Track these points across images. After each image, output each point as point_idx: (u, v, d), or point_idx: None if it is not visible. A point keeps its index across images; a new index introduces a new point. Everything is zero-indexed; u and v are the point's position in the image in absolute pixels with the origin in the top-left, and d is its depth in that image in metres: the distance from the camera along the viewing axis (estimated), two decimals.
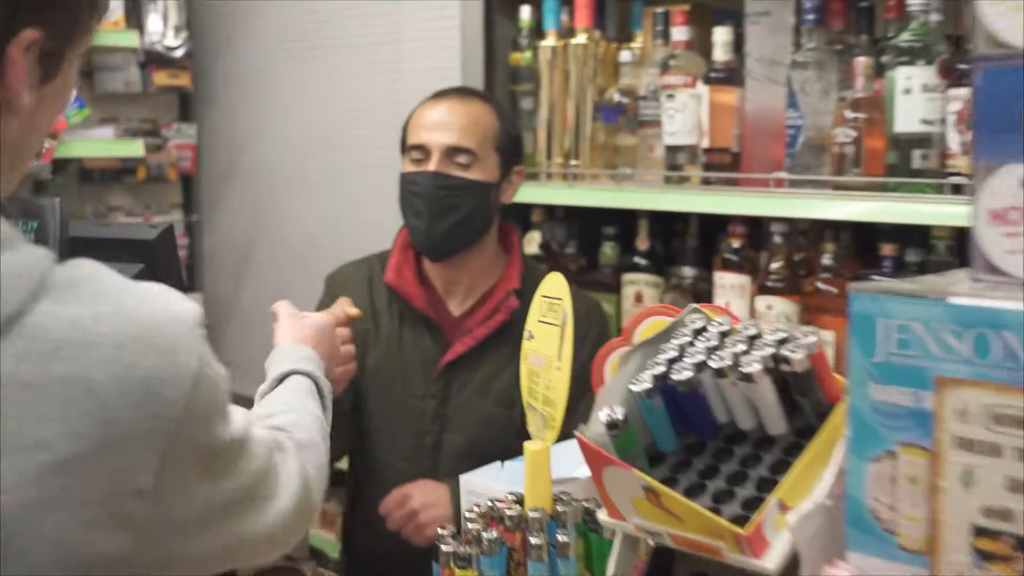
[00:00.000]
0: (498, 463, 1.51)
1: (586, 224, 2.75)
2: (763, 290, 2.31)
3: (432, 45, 3.01)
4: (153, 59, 3.65)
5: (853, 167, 2.13)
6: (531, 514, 1.22)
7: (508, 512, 1.25)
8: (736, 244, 2.38)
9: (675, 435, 1.15)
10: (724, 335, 1.16)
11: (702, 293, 2.45)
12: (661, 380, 1.12)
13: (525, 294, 2.15)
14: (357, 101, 3.28)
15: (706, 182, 2.36)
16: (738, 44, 2.34)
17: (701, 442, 1.16)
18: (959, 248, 2.12)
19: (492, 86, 2.75)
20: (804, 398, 1.11)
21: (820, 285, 2.24)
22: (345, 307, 1.91)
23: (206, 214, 3.85)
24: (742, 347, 1.12)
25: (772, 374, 1.09)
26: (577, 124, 2.62)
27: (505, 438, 2.10)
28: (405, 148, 2.23)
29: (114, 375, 0.90)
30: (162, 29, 3.61)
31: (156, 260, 1.74)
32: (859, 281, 2.19)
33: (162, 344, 0.94)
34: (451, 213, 2.14)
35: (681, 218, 2.67)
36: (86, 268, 0.98)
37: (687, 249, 2.48)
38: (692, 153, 2.40)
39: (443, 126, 2.15)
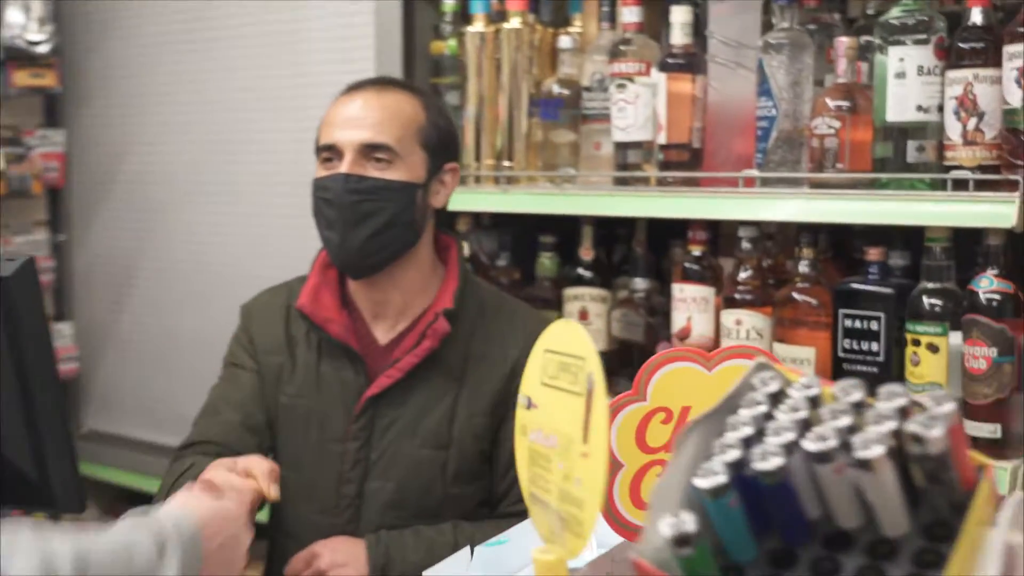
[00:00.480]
0: (465, 549, 1.19)
1: (520, 233, 2.44)
2: (730, 303, 2.03)
3: (340, 35, 2.67)
4: (13, 56, 3.20)
5: (836, 162, 1.87)
6: None
7: None
8: (697, 252, 2.10)
9: (754, 540, 0.84)
10: (814, 402, 0.85)
11: (657, 307, 2.17)
12: (737, 470, 0.81)
13: (463, 317, 1.86)
14: (255, 100, 2.91)
15: (663, 182, 2.08)
16: (697, 26, 2.07)
17: (789, 548, 0.85)
18: (957, 251, 1.88)
19: (412, 79, 2.42)
20: (934, 486, 0.80)
21: (796, 296, 1.97)
22: (268, 488, 1.51)
23: (78, 232, 3.42)
24: (846, 420, 0.81)
25: (893, 456, 0.79)
26: (510, 120, 2.32)
27: (437, 485, 1.83)
28: (317, 150, 1.89)
29: None
30: (23, 22, 3.18)
31: (14, 301, 1.40)
32: (841, 290, 1.96)
33: None
34: (368, 220, 1.81)
35: (625, 224, 2.39)
36: None
37: (638, 259, 2.19)
38: (647, 150, 2.11)
39: (356, 122, 1.83)
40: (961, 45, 1.79)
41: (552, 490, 0.91)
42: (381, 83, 1.92)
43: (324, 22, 2.74)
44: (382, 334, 1.91)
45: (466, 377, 1.85)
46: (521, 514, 1.68)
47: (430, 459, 1.83)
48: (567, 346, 0.90)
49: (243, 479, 1.50)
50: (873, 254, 1.91)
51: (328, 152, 1.84)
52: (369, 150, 1.81)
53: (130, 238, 3.27)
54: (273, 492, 1.51)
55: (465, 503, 1.85)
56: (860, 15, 2.10)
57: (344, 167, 1.81)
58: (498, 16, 2.36)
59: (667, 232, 2.35)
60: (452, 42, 2.42)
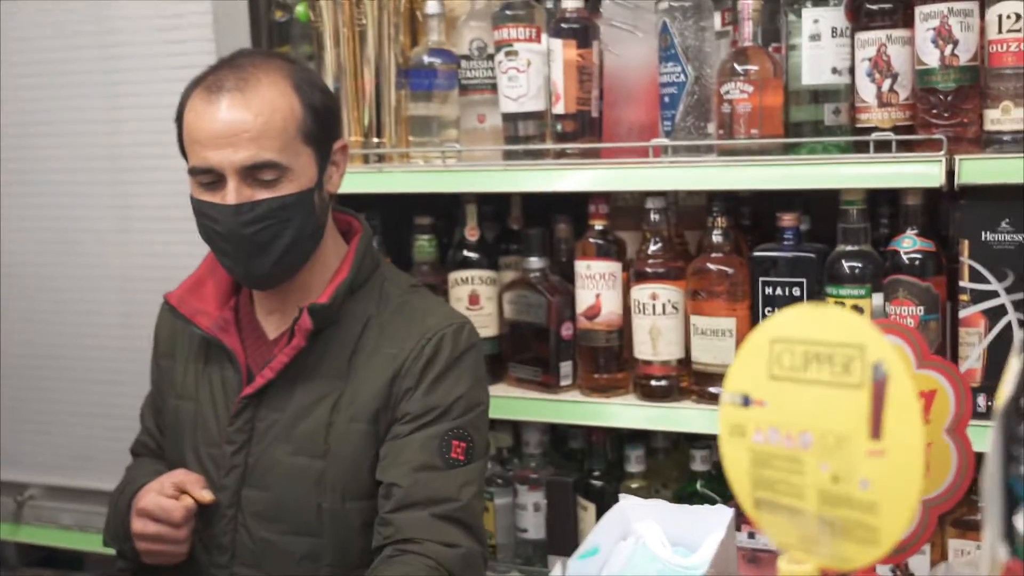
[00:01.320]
0: (557, 566, 1.06)
1: (387, 215, 2.27)
2: (641, 277, 1.97)
3: None
4: None
5: (749, 128, 1.84)
6: None
7: None
8: (600, 226, 2.02)
9: None
10: None
11: (556, 286, 2.07)
12: None
13: (354, 312, 1.69)
14: (50, 76, 2.56)
15: (562, 155, 1.98)
16: None
17: None
18: (872, 212, 1.89)
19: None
20: None
21: (711, 266, 1.92)
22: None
23: None
24: None
25: None
26: (378, 93, 2.14)
27: (313, 498, 1.65)
28: (188, 165, 1.63)
29: None
30: None
31: None
32: (759, 257, 1.93)
33: None
34: (271, 246, 1.60)
35: (492, 202, 2.28)
36: None
37: (531, 236, 2.08)
38: (541, 121, 2.00)
39: (229, 138, 1.56)
40: (870, 6, 1.79)
41: (807, 494, 0.79)
42: (240, 69, 1.61)
43: None
44: (272, 329, 1.73)
45: (349, 379, 1.66)
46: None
47: (305, 468, 1.65)
48: (824, 333, 0.79)
49: (171, 500, 1.63)
50: (788, 220, 1.89)
51: (205, 175, 1.59)
52: (253, 170, 1.57)
53: None
54: (207, 495, 1.65)
55: (348, 521, 1.65)
56: None
57: (231, 195, 1.56)
58: None
59: (539, 207, 2.26)
60: (301, 8, 2.21)
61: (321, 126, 1.64)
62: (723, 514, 1.21)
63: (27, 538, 2.64)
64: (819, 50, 1.80)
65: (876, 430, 0.76)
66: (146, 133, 2.46)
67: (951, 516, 1.78)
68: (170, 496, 1.64)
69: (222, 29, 2.24)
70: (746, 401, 0.83)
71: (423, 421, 1.63)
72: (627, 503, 1.26)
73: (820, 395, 0.79)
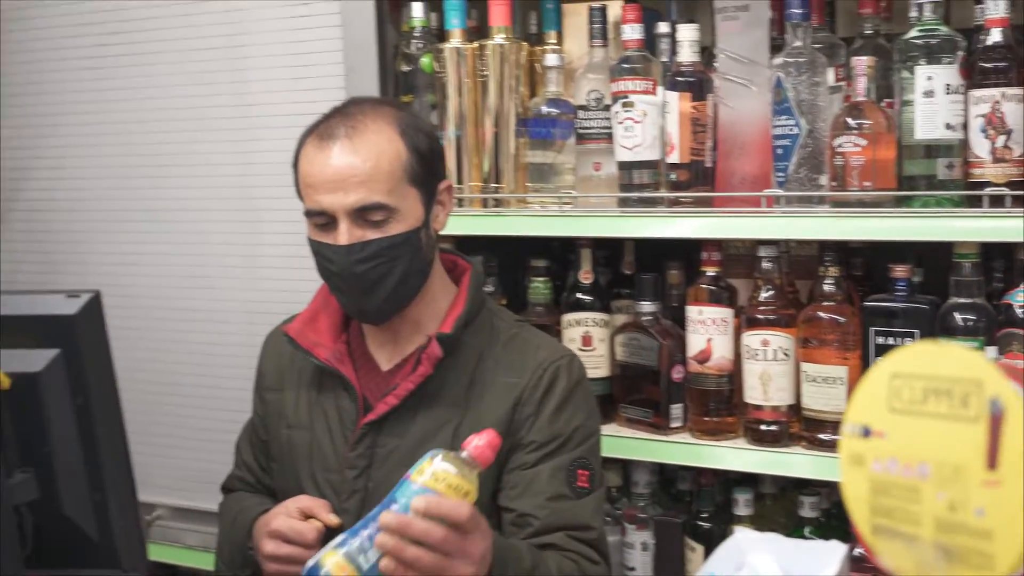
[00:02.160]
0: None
1: (503, 258, 2.36)
2: (752, 324, 2.01)
3: (290, 46, 2.51)
4: None
5: (862, 180, 1.88)
6: None
7: None
8: (712, 272, 2.07)
9: None
10: None
11: (668, 330, 2.13)
12: None
13: (470, 344, 1.78)
14: (188, 119, 2.71)
15: (676, 203, 2.04)
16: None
17: None
18: (985, 267, 1.91)
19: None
20: None
21: (823, 314, 1.96)
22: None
23: None
24: None
25: None
26: (496, 141, 2.24)
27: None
28: (304, 209, 1.75)
29: None
30: None
31: (79, 343, 1.25)
32: (872, 307, 1.96)
33: None
34: (381, 284, 1.70)
35: (605, 247, 2.35)
36: None
37: (644, 281, 2.14)
38: (654, 169, 2.07)
39: (340, 183, 1.66)
40: (984, 64, 1.83)
41: (924, 522, 0.84)
42: (350, 117, 1.72)
43: (269, 29, 2.55)
44: (385, 360, 1.82)
45: (469, 406, 1.75)
46: None
47: None
48: (942, 369, 0.84)
49: (303, 522, 1.69)
50: (901, 271, 1.92)
51: (320, 217, 1.70)
52: (363, 212, 1.67)
53: (33, 272, 3.00)
54: (334, 519, 1.71)
55: None
56: (855, 35, 2.13)
57: (343, 236, 1.67)
58: (474, 33, 2.29)
59: (651, 254, 2.32)
60: (426, 60, 2.32)
61: (426, 168, 1.73)
62: (837, 550, 1.25)
63: (155, 556, 2.75)
64: (933, 106, 1.84)
65: (992, 461, 0.81)
66: (276, 176, 2.57)
67: None
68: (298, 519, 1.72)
69: (352, 82, 2.36)
70: (866, 432, 0.88)
71: (548, 450, 1.72)
72: (742, 535, 1.30)
73: (938, 428, 0.84)
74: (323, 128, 1.72)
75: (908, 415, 0.86)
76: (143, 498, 1.34)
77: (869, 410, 0.89)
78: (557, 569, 1.65)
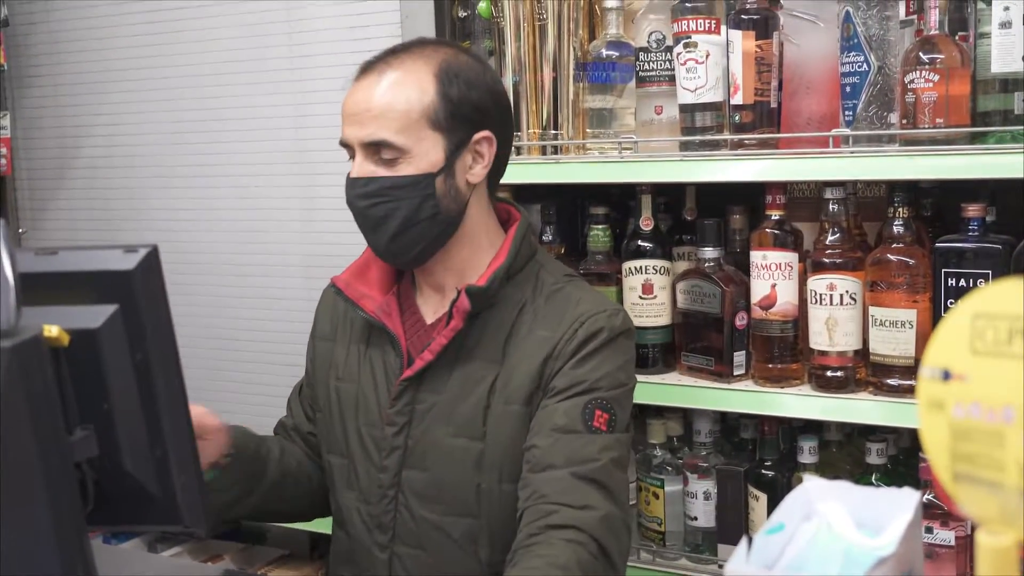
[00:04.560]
0: (743, 541, 1.08)
1: (562, 206, 2.32)
2: (819, 268, 1.96)
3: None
4: None
5: (935, 117, 1.81)
6: None
7: None
8: (777, 216, 2.02)
9: None
10: None
11: (731, 276, 2.08)
12: None
13: (510, 297, 1.73)
14: (242, 73, 2.70)
15: (740, 145, 1.98)
16: None
17: None
18: None
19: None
20: None
21: (892, 256, 1.90)
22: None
23: (28, 224, 3.16)
24: None
25: None
26: (555, 87, 2.19)
27: (472, 479, 1.69)
28: None
29: None
30: None
31: (137, 298, 1.24)
32: (943, 248, 1.90)
33: None
34: (384, 224, 1.68)
35: (665, 192, 2.30)
36: None
37: (706, 226, 2.09)
38: (718, 112, 2.02)
39: (357, 116, 1.67)
40: None
41: (1009, 468, 0.80)
42: (394, 54, 1.72)
43: None
44: (431, 313, 1.80)
45: (504, 362, 1.71)
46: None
47: (464, 450, 1.69)
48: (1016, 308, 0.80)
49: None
50: (974, 210, 1.85)
51: (346, 150, 1.72)
52: (373, 148, 1.67)
53: (91, 229, 3.02)
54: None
55: (505, 502, 1.67)
56: None
57: (355, 170, 1.69)
58: None
59: (713, 200, 2.27)
60: (484, 4, 2.27)
61: (454, 114, 1.68)
62: (910, 497, 1.21)
63: None
64: (1009, 38, 1.77)
65: None
66: (331, 127, 2.55)
67: None
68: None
69: (408, 28, 2.33)
70: (947, 376, 0.84)
71: (568, 393, 1.66)
72: (811, 484, 1.26)
73: (1011, 369, 0.79)
74: (367, 63, 1.73)
75: (992, 357, 0.82)
76: None
77: (950, 352, 0.84)
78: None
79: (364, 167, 1.67)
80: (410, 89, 1.67)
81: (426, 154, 1.67)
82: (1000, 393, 0.81)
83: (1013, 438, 0.80)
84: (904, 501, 1.22)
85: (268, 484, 1.81)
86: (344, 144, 1.71)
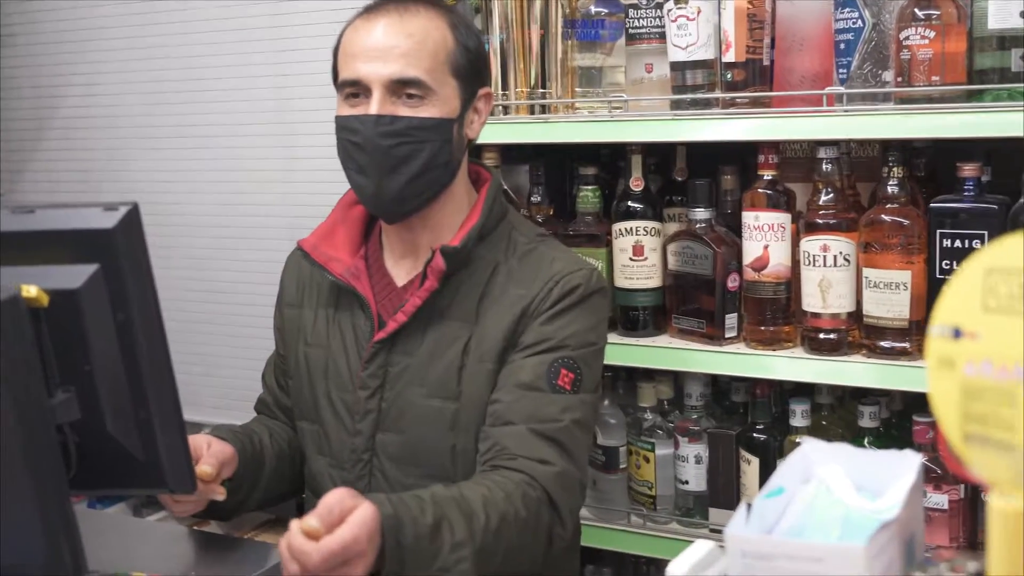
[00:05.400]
0: (742, 505, 1.06)
1: (551, 167, 2.28)
2: (812, 228, 1.93)
3: None
4: None
5: (930, 75, 1.78)
6: None
7: None
8: (769, 176, 1.99)
9: None
10: None
11: (723, 237, 2.05)
12: None
13: (483, 257, 1.71)
14: (221, 31, 2.64)
15: (731, 103, 1.95)
16: None
17: None
18: None
19: None
20: None
21: (886, 217, 1.88)
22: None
23: (7, 186, 3.10)
24: None
25: None
26: (543, 44, 2.15)
27: (447, 439, 1.67)
28: (337, 82, 1.70)
29: None
30: None
31: (119, 257, 1.20)
32: (938, 209, 1.88)
33: None
34: (405, 165, 1.64)
35: (655, 153, 2.27)
36: None
37: (697, 187, 2.06)
38: (709, 69, 1.98)
39: (382, 52, 1.62)
40: None
41: (1020, 427, 0.78)
42: (396, 2, 1.68)
43: None
44: (402, 275, 1.76)
45: (479, 321, 1.68)
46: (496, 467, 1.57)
47: (438, 410, 1.67)
48: None
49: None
50: (969, 170, 1.83)
51: (352, 88, 1.65)
52: (399, 86, 1.62)
53: (71, 191, 2.97)
54: (205, 470, 1.57)
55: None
56: None
57: (374, 107, 1.62)
58: None
59: (704, 161, 2.24)
60: None
61: (469, 65, 1.69)
62: (911, 460, 1.19)
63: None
64: None
65: None
66: (312, 87, 2.52)
67: None
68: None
69: None
70: (957, 333, 0.82)
71: (536, 349, 1.64)
72: (810, 446, 1.24)
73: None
74: (373, 7, 1.69)
75: (1004, 313, 0.79)
76: (187, 417, 1.30)
77: (960, 310, 0.82)
78: (483, 503, 1.49)
79: (385, 105, 1.62)
80: (435, 32, 1.65)
81: (448, 100, 1.66)
82: (1013, 350, 0.78)
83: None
84: (904, 464, 1.20)
85: (268, 473, 1.79)
86: (351, 83, 1.64)
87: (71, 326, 1.21)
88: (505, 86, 2.18)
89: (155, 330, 1.25)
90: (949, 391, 0.83)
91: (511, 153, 2.28)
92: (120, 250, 1.22)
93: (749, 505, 1.13)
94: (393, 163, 1.63)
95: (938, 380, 0.84)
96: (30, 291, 1.17)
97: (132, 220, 1.23)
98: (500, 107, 2.18)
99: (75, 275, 1.21)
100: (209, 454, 1.62)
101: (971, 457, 0.83)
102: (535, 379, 1.62)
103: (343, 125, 1.66)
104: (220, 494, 1.61)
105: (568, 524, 1.61)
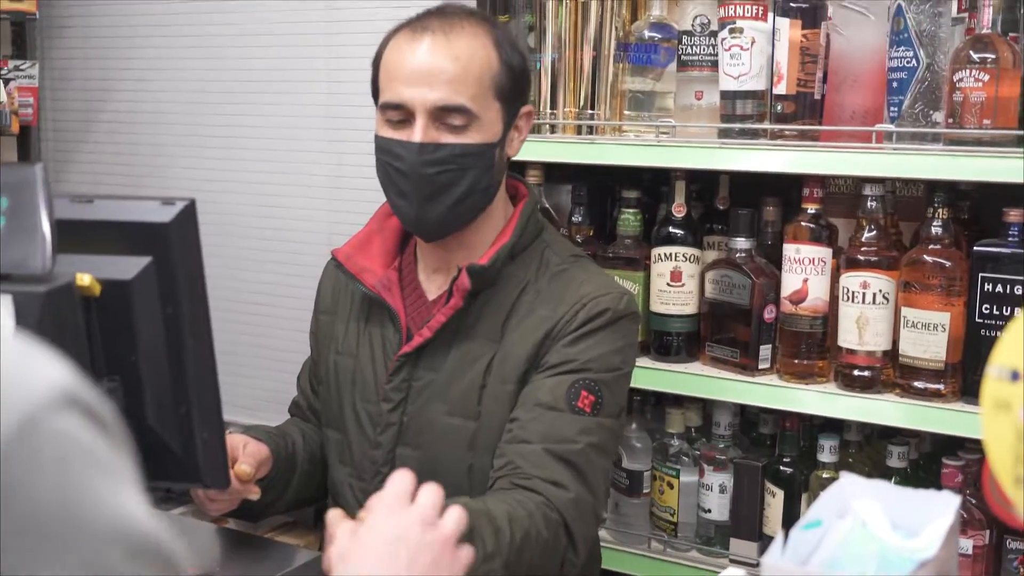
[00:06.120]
0: (779, 534, 1.06)
1: (594, 189, 2.29)
2: (852, 264, 1.93)
3: None
4: None
5: (981, 118, 1.78)
6: None
7: None
8: (813, 210, 1.99)
9: None
10: None
11: (762, 268, 2.05)
12: None
13: (512, 276, 1.70)
14: (273, 33, 2.67)
15: (781, 135, 1.95)
16: None
17: None
18: None
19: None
20: None
21: (928, 258, 1.87)
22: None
23: (52, 177, 3.12)
24: None
25: None
26: (594, 66, 2.16)
27: (462, 457, 1.66)
28: (377, 99, 1.69)
29: None
30: None
31: (172, 251, 1.21)
32: (981, 252, 1.87)
33: None
34: (447, 192, 1.63)
35: (699, 180, 2.27)
36: None
37: (739, 216, 2.06)
38: (759, 100, 1.99)
39: (427, 77, 1.60)
40: None
41: None
42: (445, 17, 1.66)
43: None
44: (434, 289, 1.76)
45: (503, 340, 1.67)
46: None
47: (458, 429, 1.66)
48: None
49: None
50: (1015, 215, 1.83)
51: (395, 112, 1.63)
52: (443, 112, 1.61)
53: (115, 184, 3.00)
54: (243, 468, 1.62)
55: None
56: None
57: (418, 134, 1.61)
58: None
59: (747, 192, 2.24)
60: None
61: (513, 86, 1.67)
62: (949, 501, 1.18)
63: None
64: None
65: None
66: (361, 95, 2.52)
67: None
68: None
69: None
70: (1015, 376, 0.82)
71: (557, 370, 1.63)
72: (847, 480, 1.24)
73: None
74: (416, 23, 1.66)
75: None
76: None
77: (1019, 352, 0.82)
78: (508, 519, 1.46)
79: (428, 132, 1.61)
80: (481, 53, 1.63)
81: (492, 124, 1.65)
82: None
83: None
84: (942, 504, 1.19)
85: (299, 475, 1.80)
86: (394, 106, 1.63)
87: (120, 317, 1.23)
88: (554, 105, 2.19)
89: (203, 327, 1.27)
90: (1004, 433, 0.83)
91: (555, 172, 2.29)
92: (174, 244, 1.24)
93: (786, 535, 1.12)
94: (435, 190, 1.63)
95: (993, 422, 0.84)
96: (84, 279, 1.18)
97: (188, 216, 1.24)
98: (548, 126, 2.19)
99: (128, 266, 1.23)
100: (246, 453, 1.63)
101: (1021, 500, 0.83)
102: (554, 399, 1.61)
103: (384, 148, 1.66)
104: (255, 494, 1.62)
105: (581, 552, 1.60)
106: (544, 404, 1.61)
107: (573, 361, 1.63)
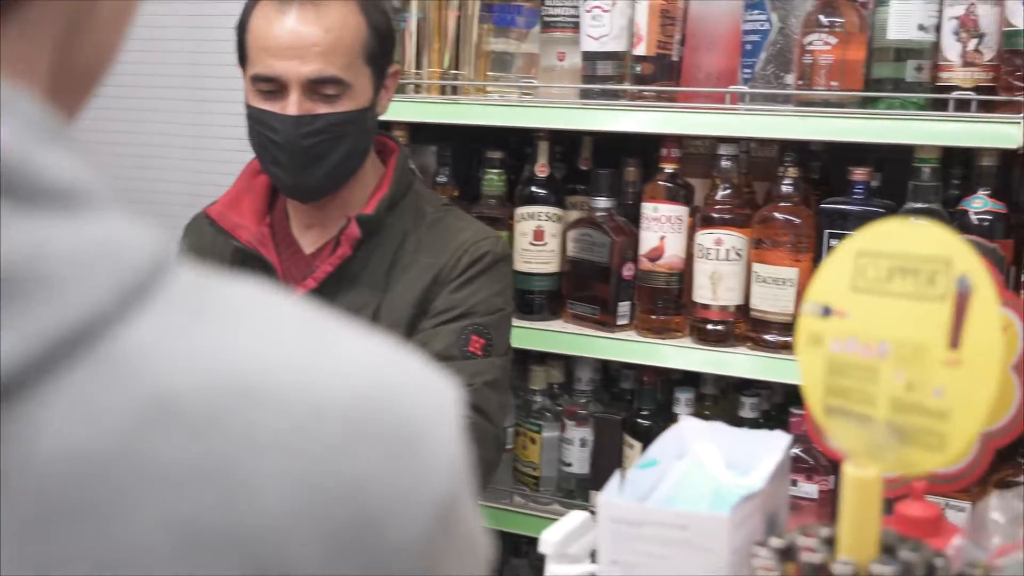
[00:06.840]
0: (616, 476, 1.09)
1: (458, 149, 2.30)
2: (707, 222, 1.98)
3: None
4: None
5: (829, 80, 1.84)
6: (840, 568, 0.81)
7: (808, 557, 0.83)
8: (671, 169, 2.03)
9: None
10: None
11: (622, 227, 2.09)
12: None
13: (393, 225, 1.74)
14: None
15: (639, 96, 1.99)
16: None
17: None
18: (944, 173, 1.89)
19: None
20: None
21: (778, 215, 1.94)
22: None
23: None
24: None
25: None
26: (459, 27, 2.16)
27: None
28: (244, 66, 1.69)
29: (280, 482, 0.41)
30: None
31: None
32: (827, 209, 1.94)
33: (389, 434, 0.45)
34: (323, 159, 1.66)
35: (562, 141, 2.30)
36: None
37: (600, 176, 2.10)
38: (620, 62, 2.02)
39: (298, 50, 1.61)
40: None
41: (879, 402, 0.82)
42: None
43: None
44: (309, 244, 1.79)
45: (389, 287, 1.72)
46: None
47: None
48: (911, 247, 0.81)
49: None
50: (859, 174, 1.89)
51: (266, 84, 1.64)
52: (317, 84, 1.63)
53: None
54: None
55: None
56: None
57: (292, 107, 1.62)
58: None
59: (609, 152, 2.28)
60: None
61: (382, 48, 1.70)
62: (780, 440, 1.23)
63: None
64: (908, 5, 1.80)
65: (955, 340, 0.78)
66: (226, 54, 2.49)
67: (995, 477, 1.79)
68: None
69: None
70: (826, 311, 0.86)
71: (446, 317, 1.69)
72: (686, 424, 1.28)
73: (902, 307, 0.81)
74: None
75: (871, 294, 0.84)
76: None
77: (831, 289, 0.86)
78: None
79: (303, 104, 1.62)
80: (351, 22, 1.64)
81: (363, 89, 1.67)
82: (877, 329, 0.83)
83: (886, 373, 0.82)
84: (774, 443, 1.24)
85: None
86: (266, 78, 1.63)
87: None
88: (419, 66, 2.19)
89: None
90: (815, 366, 0.87)
91: (420, 134, 2.29)
92: None
93: (623, 475, 1.16)
94: (312, 159, 1.66)
95: (805, 355, 0.88)
96: None
97: None
98: (412, 86, 2.19)
99: None
100: None
101: (831, 428, 0.87)
102: (447, 347, 1.67)
103: (258, 119, 1.66)
104: None
105: (485, 477, 1.69)
106: (438, 354, 1.65)
107: (460, 306, 1.70)
